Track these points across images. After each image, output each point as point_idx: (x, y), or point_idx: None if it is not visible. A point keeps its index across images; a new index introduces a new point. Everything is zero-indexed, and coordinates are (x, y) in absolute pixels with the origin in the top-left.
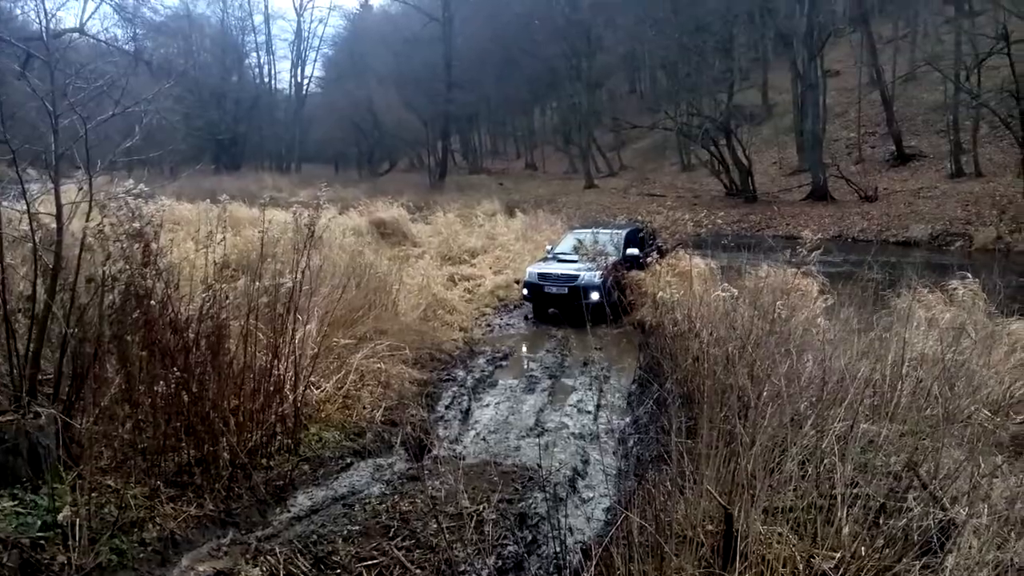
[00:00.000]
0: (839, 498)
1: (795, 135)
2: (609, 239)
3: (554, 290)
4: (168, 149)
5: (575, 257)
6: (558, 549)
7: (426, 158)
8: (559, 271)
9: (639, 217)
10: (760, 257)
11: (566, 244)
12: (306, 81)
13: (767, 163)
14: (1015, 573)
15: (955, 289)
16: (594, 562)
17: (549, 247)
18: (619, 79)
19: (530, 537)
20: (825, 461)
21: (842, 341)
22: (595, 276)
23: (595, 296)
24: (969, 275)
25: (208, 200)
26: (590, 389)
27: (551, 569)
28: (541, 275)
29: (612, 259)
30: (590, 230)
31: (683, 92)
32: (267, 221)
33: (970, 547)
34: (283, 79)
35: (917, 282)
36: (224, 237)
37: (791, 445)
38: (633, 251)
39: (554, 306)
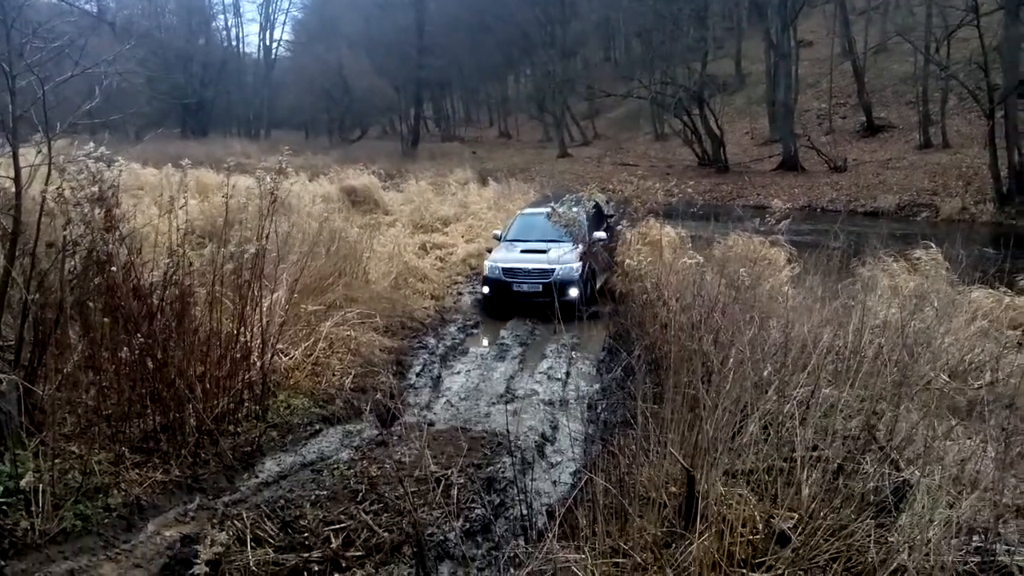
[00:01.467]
0: (799, 461)
1: (767, 105)
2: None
3: (525, 287)
4: (130, 112)
5: (542, 244)
6: (525, 511)
7: (399, 125)
8: (530, 264)
9: (611, 186)
10: (729, 226)
11: (519, 228)
12: (275, 45)
13: (739, 133)
14: (964, 530)
15: (918, 258)
16: (557, 522)
17: (497, 232)
18: (594, 47)
19: (498, 500)
20: (787, 425)
21: (807, 309)
22: (573, 268)
23: (573, 292)
24: (932, 245)
25: (170, 165)
26: (560, 356)
27: (517, 530)
28: (508, 270)
29: (579, 246)
30: (546, 209)
31: (657, 60)
32: (231, 186)
33: (923, 506)
34: (251, 43)
35: (882, 251)
36: (186, 202)
37: (753, 410)
38: (600, 235)
39: (522, 305)
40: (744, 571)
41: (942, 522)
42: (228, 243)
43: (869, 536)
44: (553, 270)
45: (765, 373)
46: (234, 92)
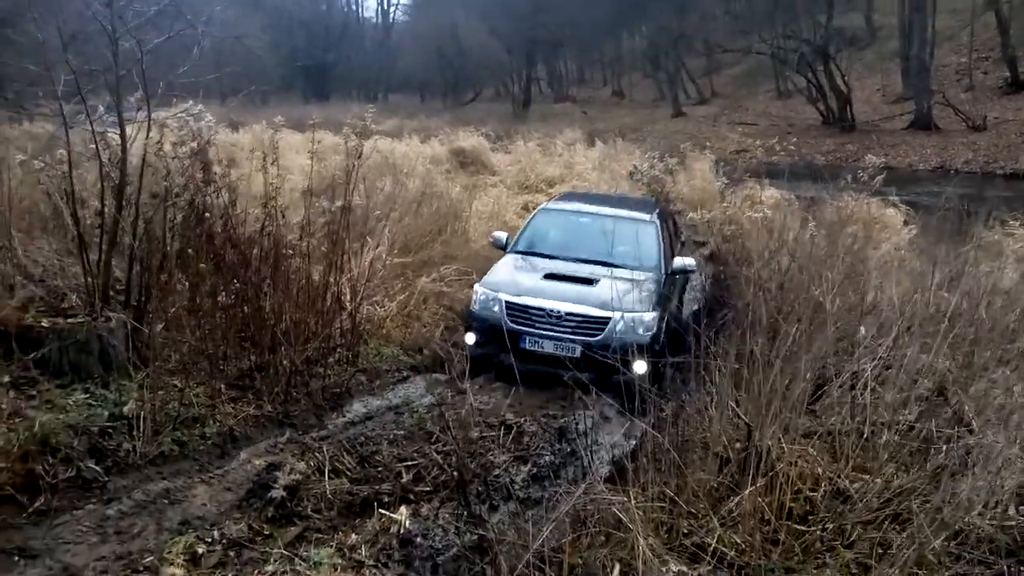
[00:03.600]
0: (869, 422)
1: (900, 60)
2: (633, 237)
3: (548, 347)
4: (228, 71)
5: (585, 268)
6: (590, 460)
7: (511, 87)
8: (563, 304)
9: (708, 142)
10: (829, 186)
11: (544, 231)
12: (392, 9)
13: (870, 90)
14: None
15: None
16: (604, 466)
17: (501, 236)
18: None
19: (568, 449)
20: (869, 387)
21: (915, 272)
22: (643, 320)
23: (640, 368)
24: None
25: (265, 123)
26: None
27: (579, 477)
28: (518, 309)
29: (649, 283)
30: (591, 207)
31: (780, 13)
32: (316, 142)
33: (990, 470)
34: (370, 6)
35: (1008, 214)
36: (276, 160)
37: (835, 373)
38: (687, 261)
39: (536, 378)
40: (790, 523)
41: (1010, 486)
42: (319, 199)
43: (928, 498)
44: (607, 320)
45: (858, 336)
46: (353, 56)
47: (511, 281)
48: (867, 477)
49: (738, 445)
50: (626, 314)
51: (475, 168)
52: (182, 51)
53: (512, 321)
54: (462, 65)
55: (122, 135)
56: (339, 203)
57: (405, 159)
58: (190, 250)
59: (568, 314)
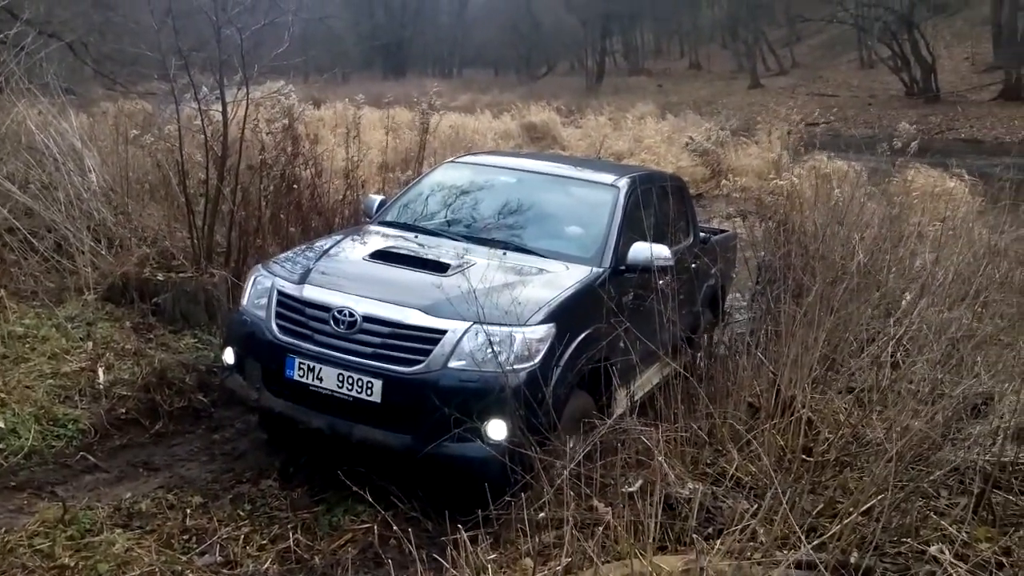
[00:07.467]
0: (899, 379)
1: (992, 28)
2: (572, 210)
3: (329, 380)
4: (310, 53)
5: (460, 248)
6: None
7: (586, 61)
8: (360, 304)
9: (782, 114)
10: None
11: (431, 189)
12: None
13: (958, 59)
14: None
15: None
16: (633, 400)
17: (374, 200)
18: None
19: None
20: (905, 347)
21: (972, 240)
22: (517, 340)
23: (497, 431)
24: None
25: (348, 100)
26: None
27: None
28: (293, 308)
29: (564, 279)
30: (519, 161)
31: None
32: (391, 119)
33: (999, 415)
34: None
35: None
36: (358, 134)
37: (871, 333)
38: (658, 251)
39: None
40: (804, 456)
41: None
42: (394, 171)
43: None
44: (437, 335)
45: (905, 302)
46: (429, 32)
47: (307, 262)
48: (883, 423)
49: (765, 394)
50: (485, 327)
51: (546, 143)
52: (272, 34)
53: (282, 328)
54: (536, 39)
55: (224, 112)
56: (410, 174)
57: (475, 134)
58: (281, 216)
59: (368, 318)
